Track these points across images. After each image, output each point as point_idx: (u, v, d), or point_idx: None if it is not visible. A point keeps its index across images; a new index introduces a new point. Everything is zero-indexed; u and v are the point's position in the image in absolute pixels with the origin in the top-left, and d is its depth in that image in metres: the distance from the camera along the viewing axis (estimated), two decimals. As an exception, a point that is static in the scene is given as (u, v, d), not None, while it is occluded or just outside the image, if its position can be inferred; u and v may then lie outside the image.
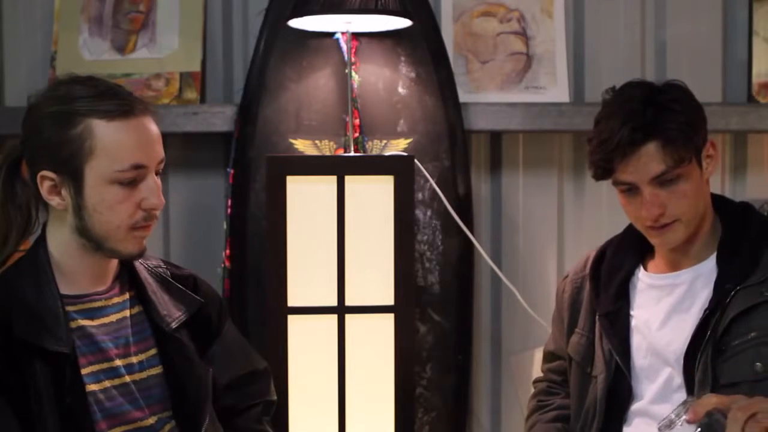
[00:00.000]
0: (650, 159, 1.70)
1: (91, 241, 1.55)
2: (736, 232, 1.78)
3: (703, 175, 1.76)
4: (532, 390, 2.08)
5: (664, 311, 1.80)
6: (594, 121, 1.79)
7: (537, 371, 2.12)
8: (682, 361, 1.73)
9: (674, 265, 1.81)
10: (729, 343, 1.68)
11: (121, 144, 1.51)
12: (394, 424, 2.05)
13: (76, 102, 1.52)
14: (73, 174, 1.51)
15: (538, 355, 2.12)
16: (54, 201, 1.54)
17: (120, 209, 1.53)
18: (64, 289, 1.55)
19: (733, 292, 1.70)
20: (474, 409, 2.46)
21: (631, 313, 1.84)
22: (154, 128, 1.57)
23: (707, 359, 1.68)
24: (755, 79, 2.44)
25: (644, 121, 1.70)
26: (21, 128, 1.57)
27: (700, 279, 1.77)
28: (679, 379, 1.74)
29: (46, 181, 1.53)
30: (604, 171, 1.75)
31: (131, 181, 1.53)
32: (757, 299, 1.69)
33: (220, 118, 2.33)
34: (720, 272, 1.74)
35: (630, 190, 1.74)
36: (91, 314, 1.57)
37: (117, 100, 1.53)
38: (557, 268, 2.49)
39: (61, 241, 1.57)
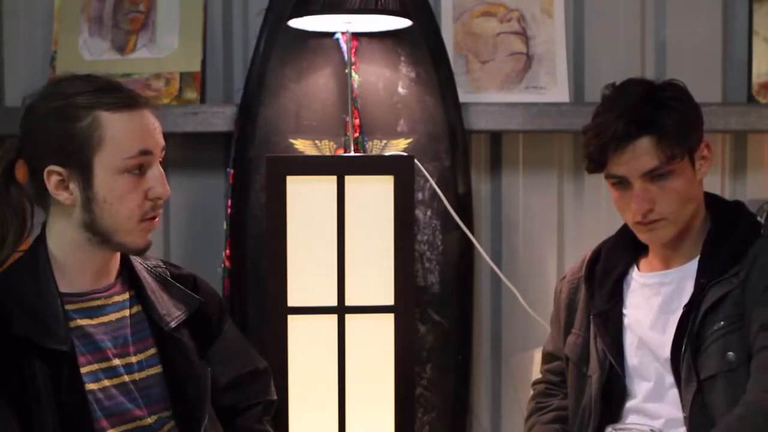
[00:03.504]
0: (643, 153, 1.71)
1: (98, 234, 1.55)
2: (722, 229, 1.78)
3: (696, 176, 1.76)
4: (532, 391, 2.08)
5: (654, 310, 1.81)
6: (593, 115, 1.79)
7: (537, 371, 2.12)
8: (669, 360, 1.73)
9: (665, 263, 1.82)
10: (703, 337, 1.69)
11: (128, 132, 1.54)
12: (394, 424, 2.05)
13: (79, 97, 1.53)
14: (82, 167, 1.52)
15: (538, 356, 2.12)
16: (61, 196, 1.54)
17: (129, 199, 1.54)
18: (64, 288, 1.55)
19: (707, 287, 1.71)
20: (474, 409, 2.46)
21: (624, 312, 1.85)
22: (155, 119, 1.60)
23: (689, 356, 1.70)
24: (755, 79, 2.44)
25: (640, 115, 1.71)
26: (19, 129, 1.57)
27: (688, 278, 1.78)
28: (670, 378, 1.75)
29: (54, 176, 1.53)
30: (597, 163, 1.76)
31: (139, 168, 1.54)
32: (725, 289, 1.70)
33: (220, 118, 2.33)
34: (699, 268, 1.75)
35: (621, 183, 1.75)
36: (90, 313, 1.57)
37: (119, 93, 1.56)
38: (557, 268, 2.49)
39: (63, 239, 1.57)
